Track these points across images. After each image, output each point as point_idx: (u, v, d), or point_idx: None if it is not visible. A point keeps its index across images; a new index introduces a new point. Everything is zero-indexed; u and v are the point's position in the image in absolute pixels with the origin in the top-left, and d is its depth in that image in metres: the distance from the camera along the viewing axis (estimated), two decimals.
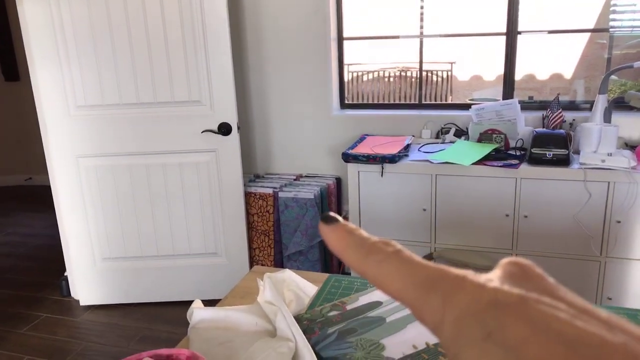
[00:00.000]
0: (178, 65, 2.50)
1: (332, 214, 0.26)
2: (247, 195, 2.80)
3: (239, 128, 2.62)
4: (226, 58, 2.50)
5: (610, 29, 2.70)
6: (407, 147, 2.60)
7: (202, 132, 2.57)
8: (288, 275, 1.06)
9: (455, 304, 0.21)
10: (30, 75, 2.58)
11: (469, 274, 0.22)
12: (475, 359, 0.19)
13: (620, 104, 2.45)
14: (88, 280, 2.79)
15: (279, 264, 2.85)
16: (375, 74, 5.44)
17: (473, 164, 2.31)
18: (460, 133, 2.72)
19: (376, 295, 1.02)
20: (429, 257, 2.44)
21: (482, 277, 0.22)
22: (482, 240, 2.40)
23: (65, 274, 2.92)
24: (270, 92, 3.06)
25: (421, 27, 2.95)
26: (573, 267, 2.30)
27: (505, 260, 0.23)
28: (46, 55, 2.48)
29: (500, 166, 2.29)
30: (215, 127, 2.56)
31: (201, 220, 2.71)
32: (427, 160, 2.41)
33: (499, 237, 2.37)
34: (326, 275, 1.17)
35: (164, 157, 2.62)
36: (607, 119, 2.36)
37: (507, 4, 2.72)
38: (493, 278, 0.22)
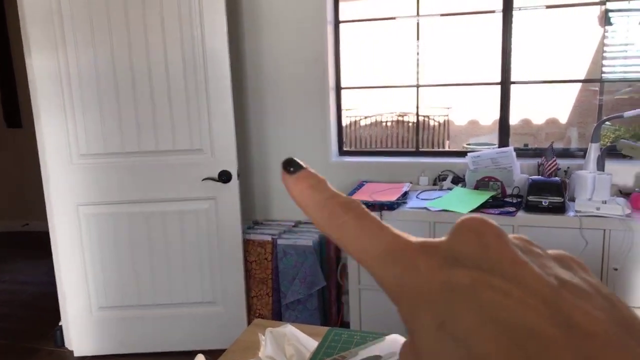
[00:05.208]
0: (180, 113, 2.54)
1: (295, 159, 0.25)
2: (246, 242, 2.80)
3: (239, 175, 2.64)
4: (227, 106, 2.55)
5: (602, 75, 2.77)
6: (405, 194, 2.63)
7: (202, 180, 2.59)
8: (289, 330, 1.06)
9: (410, 285, 0.20)
10: (35, 124, 2.62)
11: (424, 244, 0.21)
12: (430, 347, 0.18)
13: (613, 152, 2.49)
14: (83, 330, 2.75)
15: (277, 312, 2.82)
16: (373, 119, 5.53)
17: (471, 211, 2.33)
18: (458, 180, 2.75)
19: (376, 349, 1.02)
20: None
21: (437, 253, 0.21)
22: None
23: (60, 323, 2.89)
24: (270, 139, 3.11)
25: (417, 73, 3.01)
26: None
27: (460, 222, 0.22)
28: (52, 104, 2.53)
29: (498, 214, 2.31)
30: (215, 175, 2.59)
31: (199, 268, 2.70)
32: (425, 208, 2.43)
33: None
34: (326, 328, 1.17)
35: (163, 205, 2.64)
36: (600, 166, 2.39)
37: (500, 55, 2.79)
38: (447, 248, 0.21)
